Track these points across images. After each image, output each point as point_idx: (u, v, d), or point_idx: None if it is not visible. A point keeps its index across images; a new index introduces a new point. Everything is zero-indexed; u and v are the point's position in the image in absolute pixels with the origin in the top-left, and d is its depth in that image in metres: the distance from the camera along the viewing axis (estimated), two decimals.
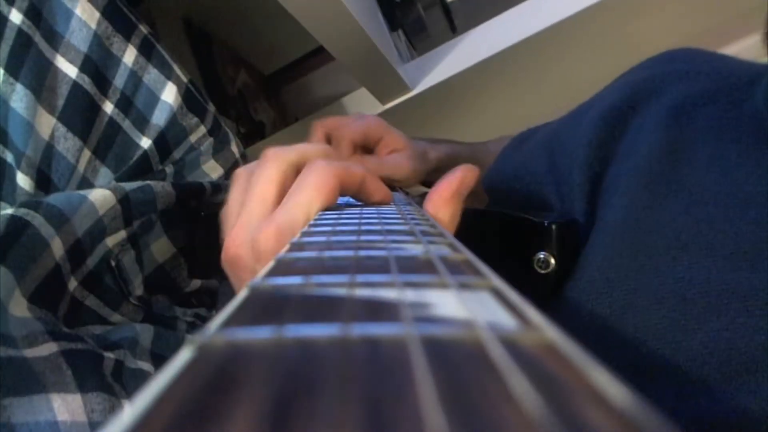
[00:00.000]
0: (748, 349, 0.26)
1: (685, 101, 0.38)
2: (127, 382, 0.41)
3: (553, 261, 0.36)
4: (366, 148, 0.54)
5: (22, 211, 0.40)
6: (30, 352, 0.36)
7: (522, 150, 0.49)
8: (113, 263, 0.48)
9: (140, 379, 0.42)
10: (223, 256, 0.29)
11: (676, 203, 0.33)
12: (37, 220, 0.40)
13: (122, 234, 0.48)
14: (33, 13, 0.48)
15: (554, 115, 0.52)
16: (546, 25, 0.91)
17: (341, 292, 0.12)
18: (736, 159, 0.33)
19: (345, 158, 0.50)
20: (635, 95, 0.41)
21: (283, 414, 0.07)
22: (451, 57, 0.99)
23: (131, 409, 0.07)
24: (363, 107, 1.10)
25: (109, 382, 0.39)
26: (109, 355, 0.41)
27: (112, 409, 0.38)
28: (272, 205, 0.28)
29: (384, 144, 0.54)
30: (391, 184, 0.54)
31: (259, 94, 1.37)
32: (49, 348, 0.37)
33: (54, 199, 0.42)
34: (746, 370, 0.26)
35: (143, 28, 0.54)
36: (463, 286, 0.13)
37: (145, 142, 0.53)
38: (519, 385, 0.08)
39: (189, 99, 0.55)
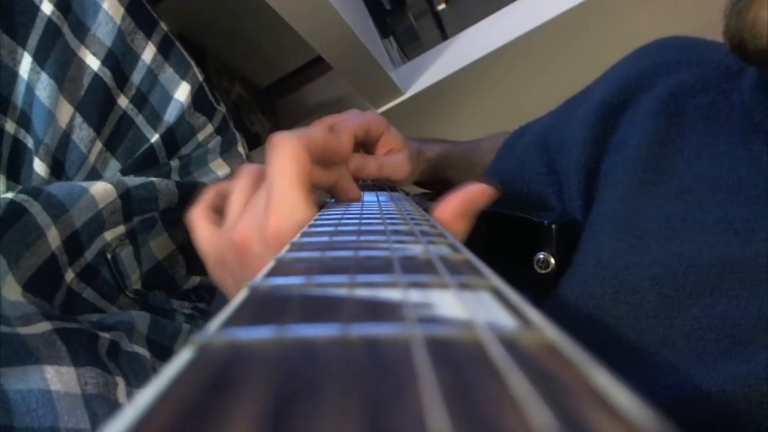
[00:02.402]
0: (743, 321, 0.26)
1: (674, 91, 0.38)
2: (122, 363, 0.41)
3: (552, 261, 0.36)
4: (365, 144, 0.54)
5: (22, 197, 0.40)
6: (24, 330, 0.36)
7: (518, 149, 0.49)
8: (109, 256, 0.48)
9: (135, 362, 0.42)
10: (231, 241, 0.30)
11: (667, 190, 0.33)
12: (35, 207, 0.40)
13: (121, 229, 0.48)
14: (63, 5, 0.49)
15: (545, 113, 0.52)
16: (535, 25, 0.92)
17: (341, 292, 0.12)
18: (724, 147, 0.33)
19: (346, 151, 0.50)
20: (626, 90, 0.41)
21: (283, 414, 0.07)
22: (442, 60, 1.01)
23: (132, 409, 0.07)
24: None
25: (103, 360, 0.39)
26: (104, 335, 0.41)
27: (106, 385, 0.38)
28: None
29: (383, 142, 0.53)
30: (393, 184, 0.54)
31: (255, 106, 1.38)
32: (43, 326, 0.37)
33: (55, 188, 0.43)
34: (741, 341, 0.26)
35: (164, 26, 0.55)
36: (463, 286, 0.13)
37: (155, 138, 0.53)
38: (519, 385, 0.08)
39: (199, 98, 0.56)
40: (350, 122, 0.51)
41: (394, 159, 0.52)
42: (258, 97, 1.44)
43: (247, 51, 1.35)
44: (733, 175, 0.31)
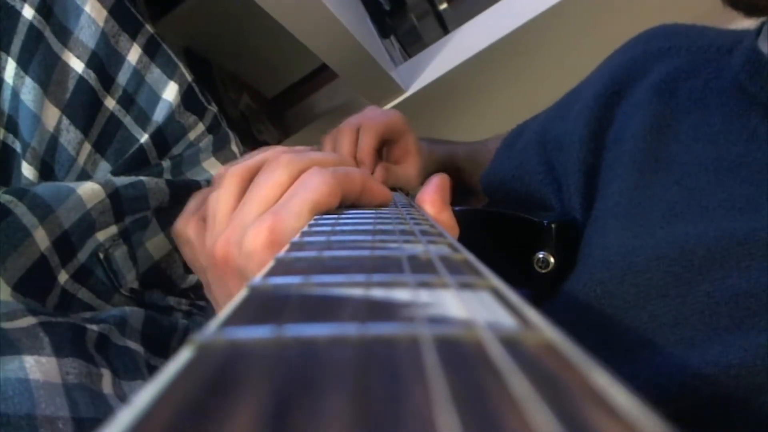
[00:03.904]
0: (755, 292, 0.26)
1: (666, 78, 0.38)
2: (112, 356, 0.41)
3: (552, 260, 0.36)
4: (384, 142, 0.54)
5: (6, 198, 0.40)
6: (7, 324, 0.36)
7: (516, 149, 0.49)
8: (102, 256, 0.48)
9: (126, 356, 0.42)
10: (211, 257, 0.27)
11: (667, 178, 0.33)
12: (19, 208, 0.40)
13: (113, 229, 0.48)
14: (44, 9, 0.49)
15: (549, 106, 0.52)
16: (536, 14, 0.92)
17: (341, 291, 0.12)
18: (720, 126, 0.33)
19: (370, 149, 0.50)
20: (619, 81, 0.41)
21: (283, 414, 0.07)
22: (442, 55, 1.01)
23: (132, 409, 0.07)
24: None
25: (89, 352, 0.39)
26: (93, 327, 0.41)
27: (89, 375, 0.38)
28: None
29: (401, 144, 0.54)
30: (392, 186, 0.54)
31: (263, 116, 1.39)
32: (27, 321, 0.37)
33: (41, 189, 0.43)
34: (756, 312, 0.26)
35: (149, 28, 0.55)
36: (463, 286, 0.13)
37: (145, 138, 0.54)
38: (519, 385, 0.08)
39: (188, 98, 0.56)
40: (377, 121, 0.51)
41: (405, 169, 0.53)
42: (266, 107, 1.45)
43: (253, 62, 1.36)
44: (732, 153, 0.32)
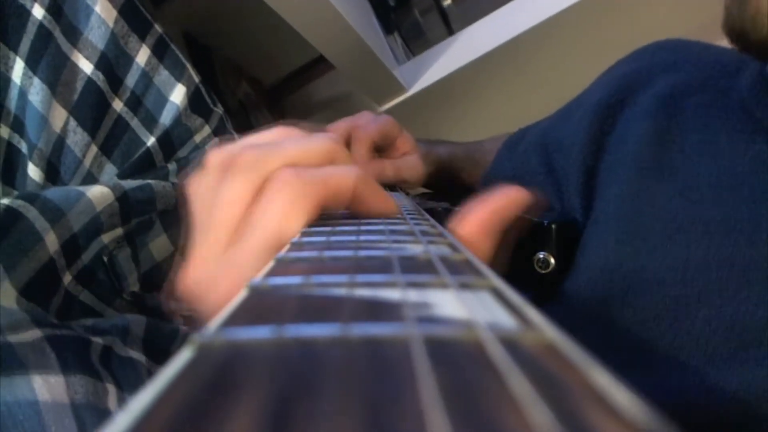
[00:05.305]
0: (752, 322, 0.26)
1: (672, 91, 0.38)
2: (115, 369, 0.41)
3: (552, 261, 0.36)
4: (379, 148, 0.54)
5: (18, 203, 0.40)
6: (14, 338, 0.36)
7: (517, 151, 0.50)
8: (105, 258, 0.48)
9: (129, 367, 0.42)
10: (180, 285, 0.24)
11: (670, 188, 0.33)
12: (31, 213, 0.40)
13: (119, 231, 0.48)
14: (54, 9, 0.49)
15: (551, 110, 0.52)
16: (542, 19, 0.92)
17: (341, 291, 0.12)
18: (726, 143, 0.33)
19: (362, 160, 0.49)
20: (623, 89, 0.41)
21: (283, 414, 0.07)
22: (445, 57, 1.01)
23: (132, 409, 0.07)
24: (360, 110, 1.12)
25: (95, 367, 0.39)
26: (98, 339, 0.41)
27: (96, 393, 0.38)
28: (237, 230, 0.22)
29: (397, 145, 0.54)
30: (405, 186, 0.54)
31: (261, 104, 1.38)
32: (33, 334, 0.37)
33: (51, 193, 0.43)
34: (751, 343, 0.26)
35: (158, 28, 0.55)
36: (463, 286, 0.13)
37: (151, 141, 0.54)
38: (519, 385, 0.08)
39: (195, 100, 0.56)
40: (369, 129, 0.51)
41: (408, 161, 0.53)
42: (265, 96, 1.44)
43: (253, 49, 1.35)
44: (735, 170, 0.32)
